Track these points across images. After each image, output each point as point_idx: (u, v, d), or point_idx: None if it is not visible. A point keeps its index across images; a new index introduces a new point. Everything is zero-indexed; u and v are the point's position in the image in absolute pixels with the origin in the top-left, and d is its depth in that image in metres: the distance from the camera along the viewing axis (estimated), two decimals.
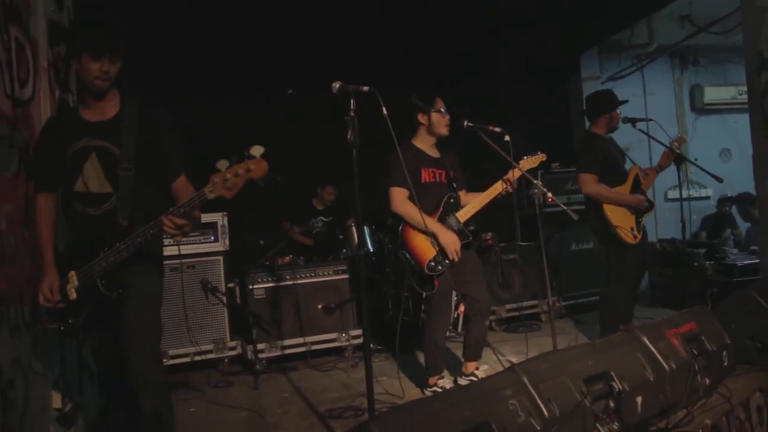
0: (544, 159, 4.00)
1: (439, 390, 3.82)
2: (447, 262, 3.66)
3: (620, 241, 4.20)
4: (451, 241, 3.65)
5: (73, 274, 2.52)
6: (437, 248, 3.66)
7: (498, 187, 3.81)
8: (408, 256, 3.68)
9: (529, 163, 3.91)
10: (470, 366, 3.99)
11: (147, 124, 2.60)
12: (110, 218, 2.53)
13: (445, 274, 3.66)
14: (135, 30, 4.82)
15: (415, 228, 3.64)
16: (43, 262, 2.57)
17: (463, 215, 3.80)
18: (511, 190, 3.79)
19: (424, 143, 3.91)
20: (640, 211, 4.35)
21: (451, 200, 3.83)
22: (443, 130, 3.85)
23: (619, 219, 4.23)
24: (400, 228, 3.73)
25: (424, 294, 3.77)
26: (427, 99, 3.83)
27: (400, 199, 3.68)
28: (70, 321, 2.53)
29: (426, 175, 3.84)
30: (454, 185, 3.94)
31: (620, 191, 4.32)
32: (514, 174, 3.75)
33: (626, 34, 7.33)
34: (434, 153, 3.95)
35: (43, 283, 2.52)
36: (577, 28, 6.56)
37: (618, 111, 4.46)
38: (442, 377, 3.94)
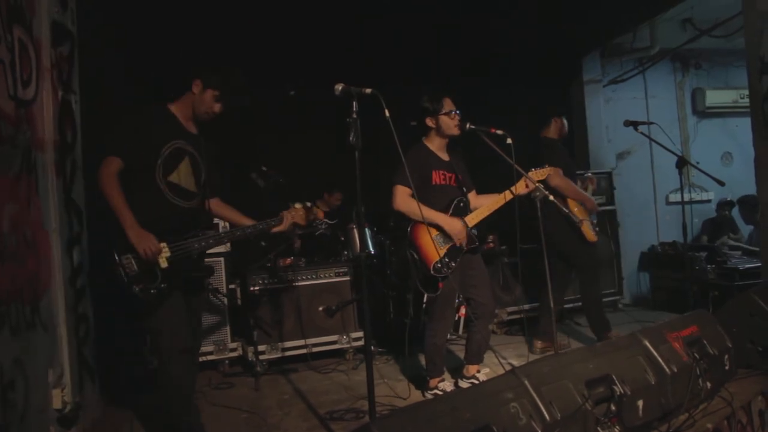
0: (552, 173, 4.09)
1: (440, 392, 3.82)
2: (453, 265, 3.66)
3: (583, 237, 4.43)
4: (456, 229, 3.67)
5: (164, 245, 2.86)
6: (445, 250, 3.66)
7: (508, 196, 3.82)
8: (415, 255, 3.68)
9: (536, 175, 3.94)
10: (471, 369, 3.99)
11: (208, 149, 3.20)
12: (196, 212, 3.10)
13: (449, 278, 3.66)
14: (137, 29, 4.86)
15: (422, 222, 3.63)
16: (127, 222, 2.77)
17: (471, 220, 3.80)
18: (533, 188, 3.81)
19: (434, 144, 3.90)
20: (590, 213, 4.57)
21: (461, 204, 3.82)
22: (453, 131, 3.83)
23: (582, 215, 4.46)
24: (409, 227, 3.73)
25: (426, 296, 3.77)
26: (436, 100, 3.82)
27: (401, 196, 3.69)
28: (163, 285, 2.83)
29: (437, 177, 3.83)
30: (464, 189, 3.94)
31: None
32: (527, 180, 3.78)
33: (628, 38, 7.34)
34: (444, 155, 3.94)
35: (142, 238, 2.77)
36: (579, 32, 6.56)
37: (563, 119, 4.73)
38: (443, 379, 3.94)
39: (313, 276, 5.13)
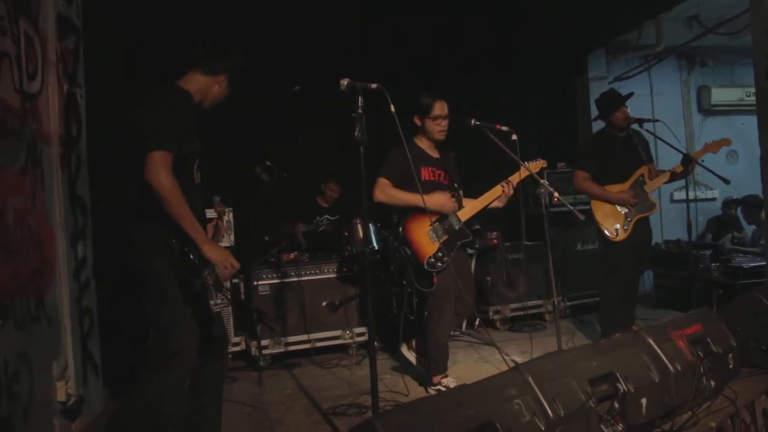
0: (545, 165, 4.09)
1: (443, 389, 3.82)
2: (447, 259, 3.66)
3: (605, 236, 4.42)
4: (440, 200, 3.69)
5: None
6: (439, 244, 3.65)
7: (498, 190, 3.83)
8: (408, 251, 3.69)
9: (529, 168, 3.89)
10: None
11: None
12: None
13: (444, 272, 3.66)
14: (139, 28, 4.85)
15: (412, 218, 3.63)
16: (201, 238, 2.51)
17: (464, 214, 3.81)
18: (509, 194, 3.80)
19: (423, 143, 3.95)
20: (632, 210, 4.42)
21: (453, 197, 3.83)
22: (437, 136, 3.88)
23: (603, 215, 4.43)
24: (401, 224, 3.74)
25: (424, 291, 3.77)
26: (427, 102, 3.83)
27: (380, 187, 3.71)
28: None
29: (426, 174, 3.85)
30: (455, 185, 3.94)
31: (610, 189, 4.47)
32: (520, 175, 3.76)
33: (634, 35, 7.30)
34: (434, 153, 3.98)
35: (223, 255, 2.55)
36: (584, 29, 6.53)
37: (623, 108, 4.55)
38: (446, 376, 3.93)
39: (317, 271, 5.14)
